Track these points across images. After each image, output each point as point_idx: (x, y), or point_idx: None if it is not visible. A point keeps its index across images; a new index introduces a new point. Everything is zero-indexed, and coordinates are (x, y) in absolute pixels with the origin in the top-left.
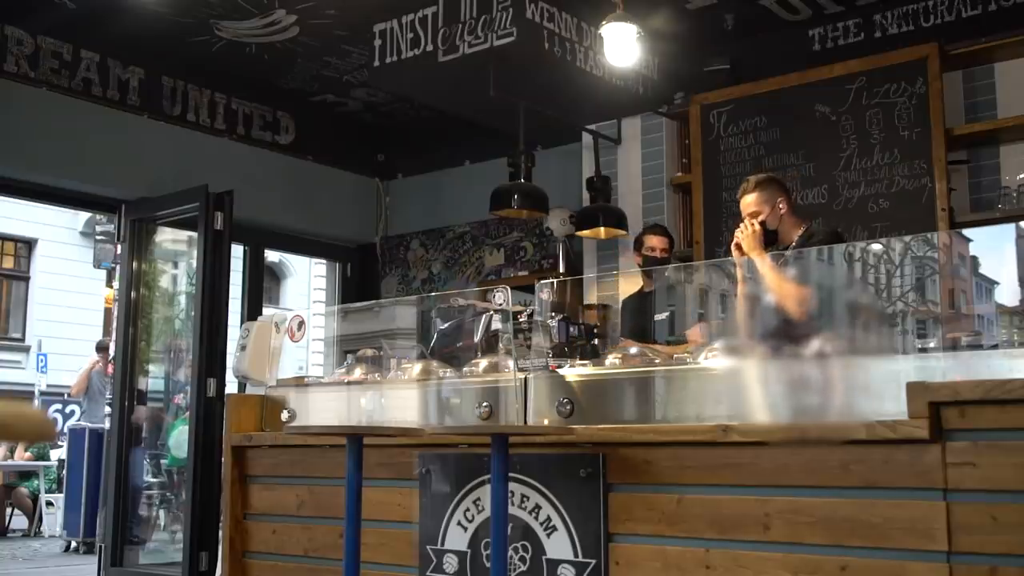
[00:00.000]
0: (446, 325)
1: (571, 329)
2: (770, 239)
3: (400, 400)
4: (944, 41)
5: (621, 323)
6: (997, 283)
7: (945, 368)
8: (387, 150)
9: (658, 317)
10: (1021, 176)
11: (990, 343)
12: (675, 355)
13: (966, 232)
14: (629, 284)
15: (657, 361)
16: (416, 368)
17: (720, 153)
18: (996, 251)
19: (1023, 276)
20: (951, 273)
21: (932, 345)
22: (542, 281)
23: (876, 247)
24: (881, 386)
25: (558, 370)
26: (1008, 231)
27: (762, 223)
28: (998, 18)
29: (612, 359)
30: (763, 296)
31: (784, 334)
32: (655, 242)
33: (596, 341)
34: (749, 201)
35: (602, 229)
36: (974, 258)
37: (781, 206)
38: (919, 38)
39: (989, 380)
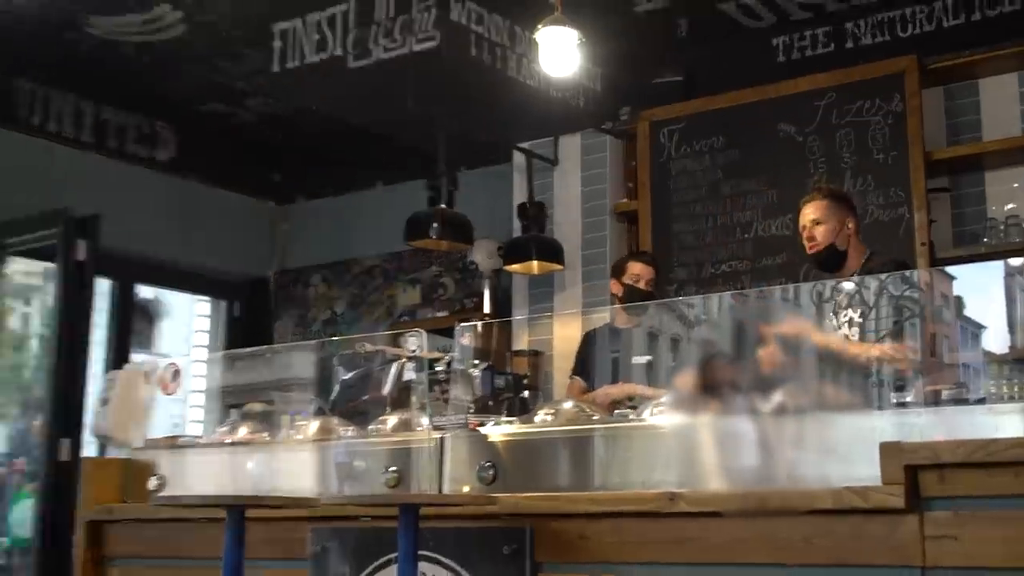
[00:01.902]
0: (350, 375)
1: (497, 380)
2: (835, 262)
3: (293, 464)
4: (923, 54)
5: (578, 359)
6: (984, 327)
7: (924, 426)
8: (285, 169)
9: (638, 360)
10: (1009, 207)
11: (975, 397)
12: (617, 411)
13: (949, 269)
14: (566, 327)
15: (595, 418)
16: (313, 426)
17: (671, 177)
18: (982, 291)
19: (1013, 320)
20: (933, 316)
21: (910, 399)
22: (464, 324)
23: (848, 286)
24: (851, 446)
25: (480, 428)
26: (995, 269)
27: (830, 247)
28: (983, 29)
29: (543, 415)
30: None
31: (741, 387)
32: (640, 271)
33: (526, 394)
34: (815, 206)
35: (535, 263)
36: (958, 299)
37: (850, 226)
38: (896, 50)
39: (972, 440)
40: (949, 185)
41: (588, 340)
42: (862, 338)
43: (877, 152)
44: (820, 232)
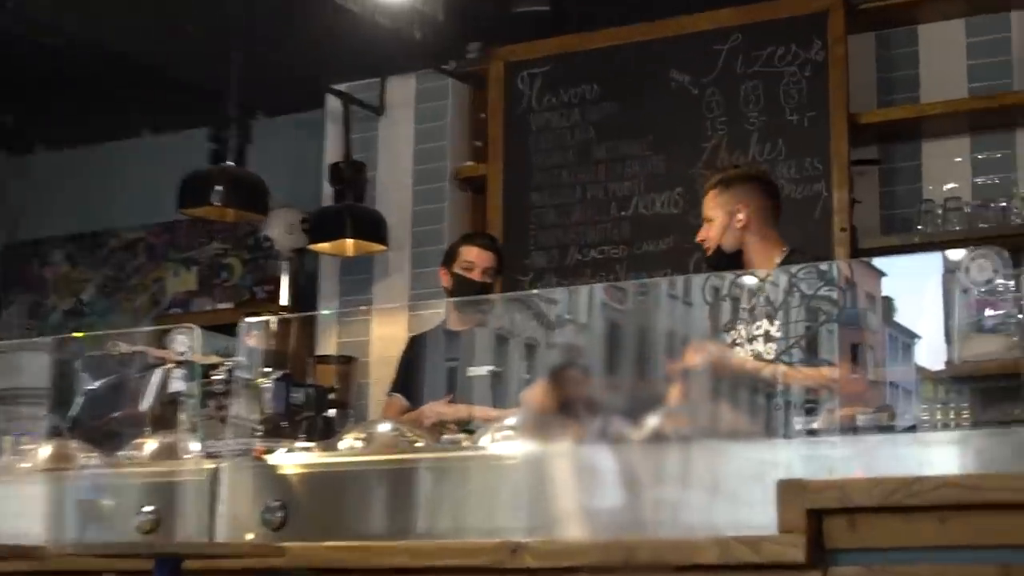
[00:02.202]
0: (98, 384)
1: (293, 394)
2: (725, 265)
3: (16, 502)
4: None
5: (400, 371)
6: (918, 337)
7: (837, 459)
8: (15, 109)
9: (473, 371)
10: (949, 186)
11: (903, 424)
12: (446, 436)
13: (876, 262)
14: (389, 325)
15: (420, 445)
16: (44, 451)
17: (531, 134)
18: (916, 291)
19: (951, 329)
20: (853, 321)
21: (821, 426)
22: (252, 319)
23: (748, 281)
24: (744, 485)
25: (268, 457)
26: (933, 263)
27: (716, 252)
28: None
29: (352, 441)
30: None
31: (609, 408)
32: (474, 256)
33: (331, 413)
34: (707, 199)
35: (350, 242)
36: (887, 300)
37: (739, 217)
38: None
39: (892, 478)
40: (878, 156)
41: (413, 347)
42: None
43: (791, 112)
44: (711, 232)
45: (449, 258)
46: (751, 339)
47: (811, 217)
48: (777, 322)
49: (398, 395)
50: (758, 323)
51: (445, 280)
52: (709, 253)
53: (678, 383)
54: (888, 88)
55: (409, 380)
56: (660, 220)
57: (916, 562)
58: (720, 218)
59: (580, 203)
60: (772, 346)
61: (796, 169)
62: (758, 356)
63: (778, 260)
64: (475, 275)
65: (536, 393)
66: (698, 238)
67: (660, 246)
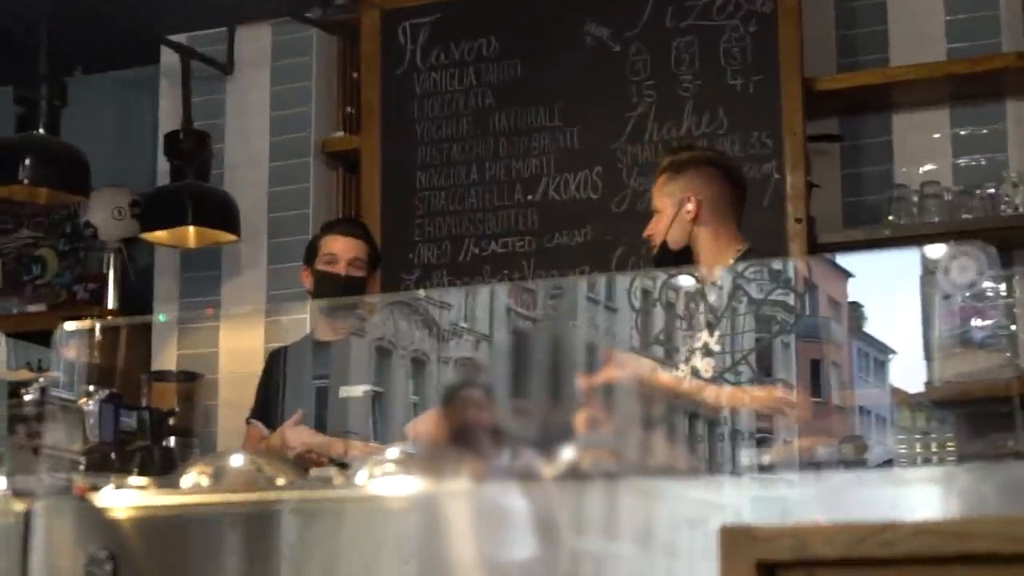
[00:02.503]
0: None
1: (124, 418)
2: (671, 265)
3: None
4: None
5: (260, 394)
6: (892, 352)
7: (795, 501)
8: None
9: (346, 392)
10: (927, 167)
11: (877, 457)
12: (314, 472)
13: (839, 260)
14: (242, 335)
15: (281, 482)
16: None
17: (415, 99)
18: (889, 296)
19: (930, 341)
20: (813, 332)
21: (774, 459)
22: (70, 325)
23: (684, 282)
24: (678, 532)
25: (92, 496)
26: (908, 262)
27: (661, 248)
28: None
29: (197, 476)
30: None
31: (516, 438)
32: (339, 248)
33: (171, 442)
34: (656, 186)
35: (191, 230)
36: (854, 307)
37: (688, 208)
38: None
39: (859, 525)
40: (840, 131)
41: (275, 364)
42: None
43: (733, 75)
44: (658, 226)
45: (310, 254)
46: (688, 353)
47: (759, 204)
48: (719, 333)
49: (258, 423)
50: (696, 334)
51: (308, 281)
52: (654, 250)
53: (592, 404)
54: (851, 48)
55: (272, 404)
56: (575, 206)
57: None
58: (668, 209)
59: (477, 185)
60: (712, 361)
61: (740, 145)
62: (696, 374)
63: (731, 260)
64: (339, 269)
65: (425, 422)
66: (645, 233)
67: (575, 238)
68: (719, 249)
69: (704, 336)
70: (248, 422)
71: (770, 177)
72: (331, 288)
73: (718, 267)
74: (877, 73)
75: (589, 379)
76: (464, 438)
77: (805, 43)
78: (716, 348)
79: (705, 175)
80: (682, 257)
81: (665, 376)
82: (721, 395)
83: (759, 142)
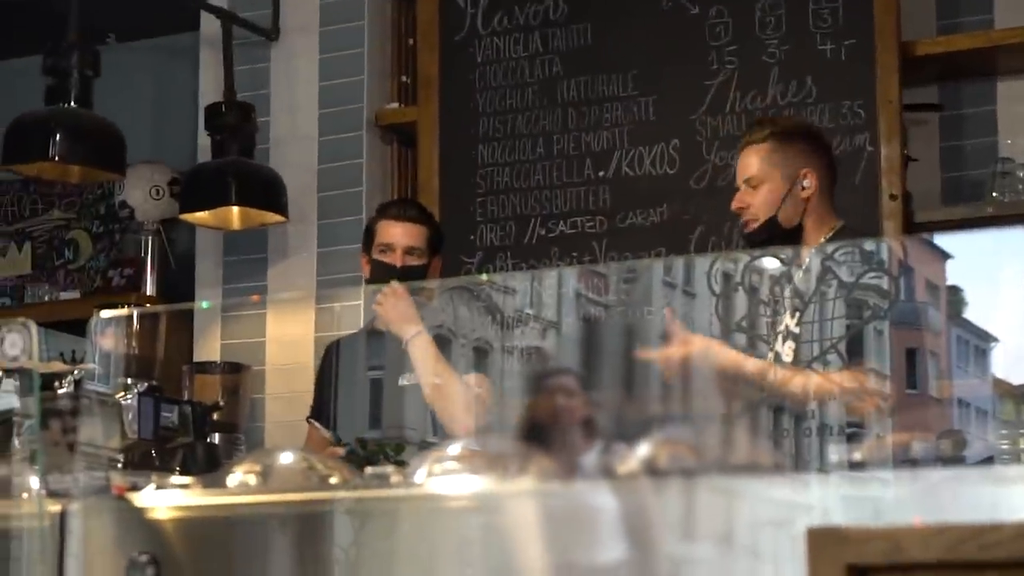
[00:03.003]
0: None
1: (165, 413)
2: (775, 237)
3: None
4: None
5: (319, 390)
6: (995, 340)
7: (888, 501)
8: None
9: (406, 380)
10: None
11: (978, 454)
12: (370, 470)
13: (938, 240)
14: (290, 322)
15: (334, 480)
16: None
17: (476, 68)
18: (991, 279)
19: None
20: (909, 318)
21: (867, 457)
22: (106, 313)
23: (769, 264)
24: (762, 534)
25: (131, 496)
26: (1014, 242)
27: (769, 223)
28: None
29: (244, 474)
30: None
31: (583, 437)
32: (393, 234)
33: (216, 438)
34: (752, 154)
35: (235, 210)
36: (953, 291)
37: (806, 185)
38: None
39: (959, 525)
40: (939, 100)
41: (332, 357)
42: (797, 358)
43: (823, 39)
44: (758, 199)
45: (367, 239)
46: (772, 338)
47: (851, 180)
48: (799, 315)
49: (318, 424)
50: (779, 317)
51: (365, 270)
52: (754, 227)
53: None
54: (952, 9)
55: (328, 402)
56: (650, 183)
57: None
58: (776, 183)
59: (543, 160)
60: (793, 345)
61: (831, 116)
62: (778, 359)
63: (823, 239)
64: (394, 259)
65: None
66: (735, 204)
67: (651, 217)
68: (816, 228)
69: (786, 318)
70: (308, 421)
71: (863, 150)
72: (386, 279)
73: (807, 248)
74: (980, 36)
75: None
76: (534, 433)
77: (902, 4)
78: (796, 331)
79: (816, 148)
80: (790, 237)
81: (736, 355)
82: (804, 382)
83: (851, 112)
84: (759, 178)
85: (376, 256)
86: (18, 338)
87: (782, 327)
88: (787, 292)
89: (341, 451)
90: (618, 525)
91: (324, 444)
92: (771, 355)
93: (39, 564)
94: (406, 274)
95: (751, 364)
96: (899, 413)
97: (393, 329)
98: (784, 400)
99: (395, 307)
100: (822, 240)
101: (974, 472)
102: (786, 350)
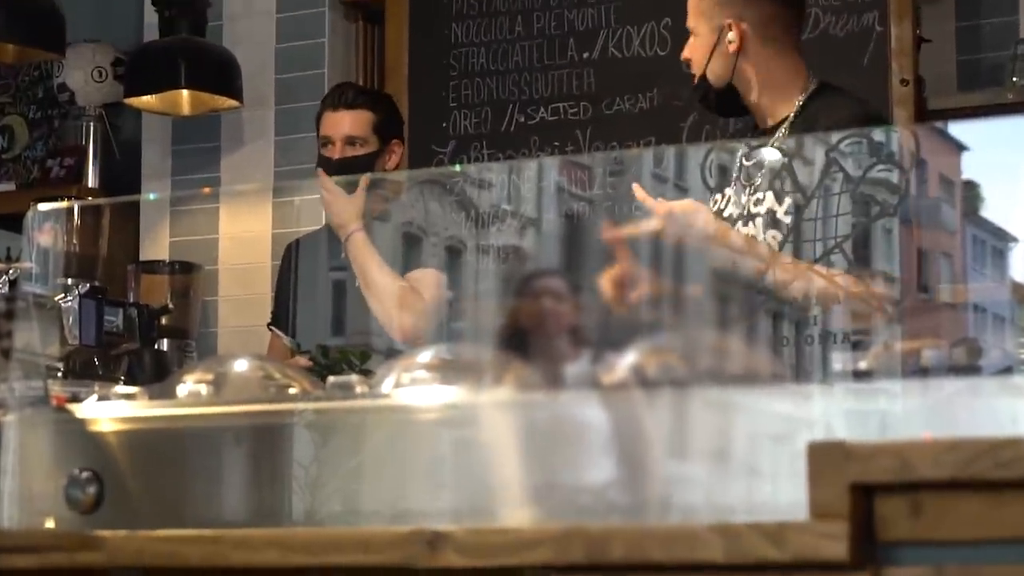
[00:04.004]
0: None
1: (109, 316)
2: (726, 107)
3: None
4: None
5: (279, 294)
6: (1014, 240)
7: (896, 415)
8: None
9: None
10: None
11: (992, 364)
12: (332, 379)
13: (953, 129)
14: (246, 217)
15: (294, 391)
16: None
17: None
18: (1012, 173)
19: None
20: (920, 215)
21: (874, 365)
22: (44, 206)
23: (769, 156)
24: (759, 449)
25: (72, 408)
26: None
27: (702, 76)
28: None
29: (194, 383)
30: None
31: (571, 340)
32: (330, 127)
33: (164, 344)
34: (688, 7)
35: (185, 94)
36: (969, 186)
37: (730, 38)
38: None
39: (974, 440)
40: None
41: (292, 257)
42: (794, 252)
43: None
44: (693, 51)
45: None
46: (744, 216)
47: (858, 63)
48: (788, 201)
49: (279, 332)
50: (760, 195)
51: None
52: (695, 80)
53: (623, 259)
54: None
55: (288, 307)
56: (639, 65)
57: (1006, 561)
58: (704, 34)
59: (522, 40)
60: (777, 235)
61: None
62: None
63: (800, 99)
64: (332, 151)
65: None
66: (683, 55)
67: (639, 103)
68: (776, 87)
69: (769, 200)
70: (269, 328)
71: (871, 30)
72: (329, 174)
73: (781, 115)
74: None
75: (617, 231)
76: (511, 339)
77: None
78: (785, 220)
79: None
80: (725, 95)
81: (730, 232)
82: (805, 284)
83: None
84: (692, 27)
85: (320, 151)
86: None
87: (763, 208)
88: (788, 185)
89: (305, 361)
90: (605, 440)
91: (287, 354)
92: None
93: None
94: (345, 167)
95: (750, 245)
96: (909, 319)
97: (333, 228)
98: (782, 303)
99: (329, 205)
100: (798, 101)
101: (990, 383)
102: (768, 238)
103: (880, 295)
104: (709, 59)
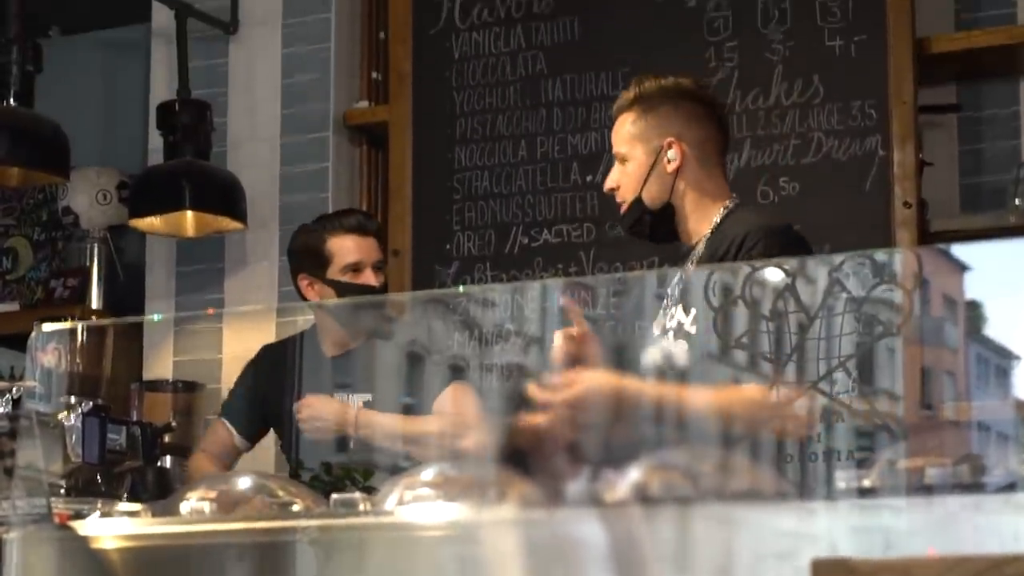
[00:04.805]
0: None
1: (112, 434)
2: (658, 231)
3: None
4: None
5: (237, 387)
6: (1017, 359)
7: (900, 531)
8: None
9: (358, 398)
10: None
11: (999, 480)
12: (335, 497)
13: (955, 251)
14: (249, 337)
15: (297, 508)
16: None
17: (453, 64)
18: (1013, 292)
19: None
20: (922, 335)
21: (876, 483)
22: (48, 327)
23: (771, 277)
24: (762, 566)
25: (75, 525)
26: None
27: (635, 205)
28: None
29: (197, 500)
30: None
31: (570, 462)
32: (363, 251)
33: (167, 461)
34: (615, 135)
35: (190, 215)
36: (972, 307)
37: (670, 157)
38: None
39: (977, 557)
40: (957, 100)
41: (267, 358)
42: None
43: (831, 35)
44: (625, 177)
45: (315, 260)
46: (660, 332)
47: (860, 187)
48: (695, 311)
49: (225, 421)
50: (670, 309)
51: (310, 294)
52: (623, 209)
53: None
54: (972, 3)
55: (257, 400)
56: None
57: None
58: (640, 157)
59: (526, 164)
60: (686, 346)
61: (840, 117)
62: (670, 362)
63: (716, 219)
64: (366, 278)
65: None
66: (606, 185)
67: None
68: (704, 207)
69: (678, 312)
70: (220, 418)
71: (874, 154)
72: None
73: (703, 233)
74: (1002, 32)
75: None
76: (513, 457)
77: None
78: (692, 330)
79: (687, 114)
80: (660, 219)
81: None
82: (693, 396)
83: (862, 113)
84: (624, 153)
85: (340, 277)
86: None
87: (673, 322)
88: (793, 306)
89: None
90: (606, 558)
91: (224, 444)
92: (658, 351)
93: None
94: (384, 293)
95: (649, 389)
96: (913, 436)
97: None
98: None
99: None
100: (714, 222)
101: (994, 500)
102: (678, 350)
103: (883, 413)
104: (646, 180)
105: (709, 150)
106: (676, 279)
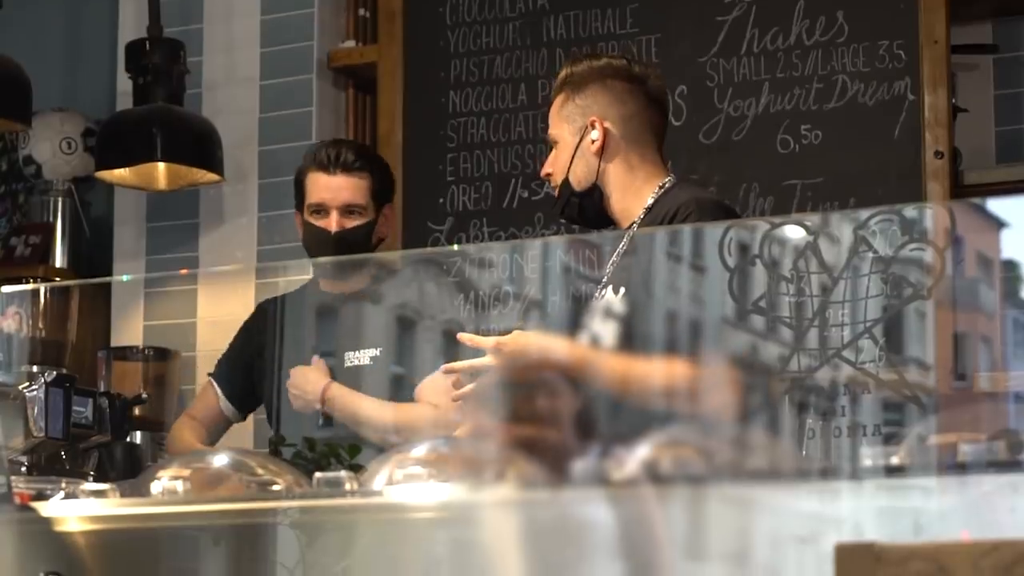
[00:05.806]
0: None
1: (78, 407)
2: (587, 213)
3: None
4: None
5: (232, 348)
6: None
7: (931, 512)
8: None
9: (355, 358)
10: None
11: None
12: (319, 475)
13: (991, 205)
14: (226, 300)
15: (278, 487)
16: None
17: (447, 1)
18: None
19: None
20: (955, 297)
21: (905, 460)
22: (8, 288)
23: (792, 233)
24: (782, 550)
25: (37, 506)
26: None
27: (563, 187)
28: None
29: (169, 479)
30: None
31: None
32: (327, 192)
33: (137, 436)
34: (549, 119)
35: (161, 167)
36: (1009, 267)
37: (593, 137)
38: None
39: (1013, 542)
40: (993, 40)
41: (262, 318)
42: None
43: None
44: (555, 161)
45: (298, 195)
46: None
47: (889, 134)
48: (623, 289)
49: (213, 381)
50: (600, 289)
51: (301, 232)
52: (557, 194)
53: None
54: None
55: (246, 364)
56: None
57: None
58: (567, 138)
59: (526, 110)
60: (616, 327)
61: (865, 59)
62: (596, 342)
63: (649, 200)
64: (328, 221)
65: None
66: (542, 172)
67: None
68: (635, 187)
69: (607, 292)
70: (209, 378)
71: (903, 99)
72: (321, 247)
73: (634, 215)
74: None
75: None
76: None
77: None
78: (620, 310)
79: (612, 92)
80: (588, 201)
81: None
82: (617, 369)
83: (889, 54)
84: (554, 135)
85: (308, 218)
86: None
87: (602, 301)
88: (814, 266)
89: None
90: (613, 541)
91: (212, 408)
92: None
93: None
94: (343, 241)
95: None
96: (945, 409)
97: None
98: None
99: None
100: (648, 201)
101: None
102: (606, 331)
103: (910, 382)
104: (572, 161)
105: (638, 128)
106: (609, 261)
